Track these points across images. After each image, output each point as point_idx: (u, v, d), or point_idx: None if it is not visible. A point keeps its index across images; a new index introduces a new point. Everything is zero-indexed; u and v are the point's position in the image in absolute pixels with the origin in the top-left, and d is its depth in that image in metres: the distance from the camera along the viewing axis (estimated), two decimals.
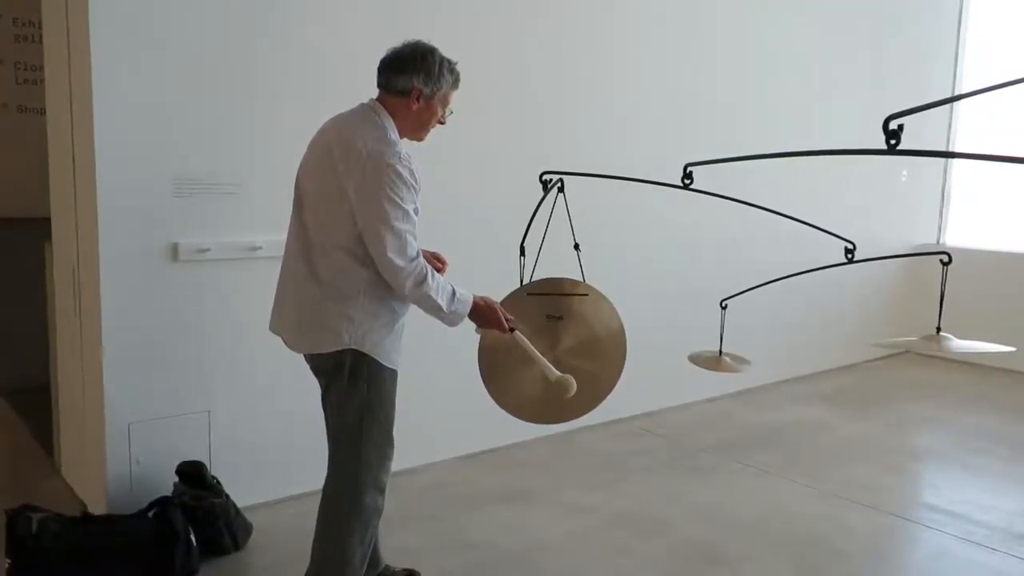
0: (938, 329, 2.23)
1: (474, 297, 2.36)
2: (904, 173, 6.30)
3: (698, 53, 4.78)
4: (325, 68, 3.36)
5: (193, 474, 3.03)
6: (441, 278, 2.29)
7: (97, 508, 3.07)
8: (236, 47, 3.14)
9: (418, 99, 2.31)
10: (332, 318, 2.26)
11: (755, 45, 5.09)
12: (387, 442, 2.41)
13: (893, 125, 1.46)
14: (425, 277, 2.22)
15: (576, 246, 2.81)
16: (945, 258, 2.28)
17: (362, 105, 2.37)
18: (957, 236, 6.68)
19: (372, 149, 2.18)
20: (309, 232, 2.31)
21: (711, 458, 4.15)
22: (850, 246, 2.56)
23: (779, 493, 3.72)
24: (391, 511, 3.33)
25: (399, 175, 2.17)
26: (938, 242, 6.71)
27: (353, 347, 2.26)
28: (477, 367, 2.63)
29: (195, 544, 2.78)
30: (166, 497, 2.90)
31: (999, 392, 5.54)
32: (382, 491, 2.43)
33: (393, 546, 3.07)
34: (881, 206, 6.16)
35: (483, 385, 2.63)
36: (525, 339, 2.41)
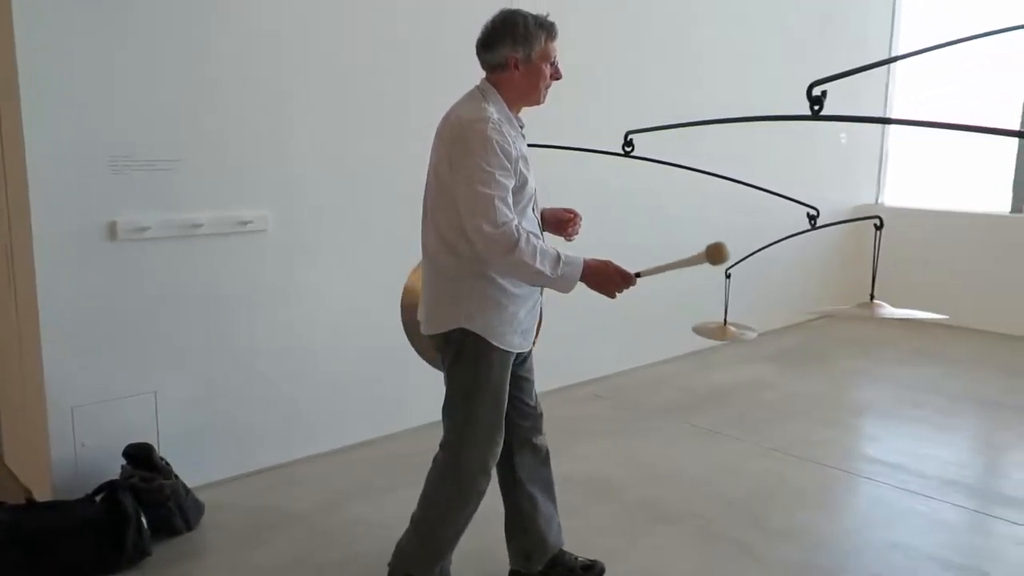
0: (871, 296, 2.30)
1: (584, 260, 2.23)
2: (843, 135, 6.43)
3: (638, 22, 4.79)
4: (265, 40, 3.29)
5: (141, 456, 3.00)
6: (541, 243, 2.16)
7: (42, 494, 3.02)
8: (174, 17, 3.05)
9: (517, 66, 2.23)
10: (443, 298, 2.26)
11: (695, 12, 5.11)
12: (496, 424, 2.35)
13: (816, 92, 1.50)
14: (516, 243, 2.08)
15: None
16: (877, 222, 2.34)
17: (471, 89, 2.31)
18: (896, 196, 6.86)
19: (467, 117, 2.15)
20: (428, 216, 2.31)
21: (660, 420, 4.24)
22: (813, 212, 2.60)
23: (725, 451, 3.83)
24: (351, 483, 3.37)
25: (485, 140, 2.10)
26: (877, 202, 6.88)
27: (462, 326, 2.23)
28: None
29: (146, 526, 2.75)
30: (114, 480, 2.87)
31: (936, 346, 5.75)
32: (487, 473, 2.37)
33: (350, 519, 3.09)
34: (823, 168, 6.29)
35: (411, 344, 2.68)
36: (653, 270, 2.29)
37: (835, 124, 6.16)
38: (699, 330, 2.90)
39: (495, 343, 2.27)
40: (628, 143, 2.77)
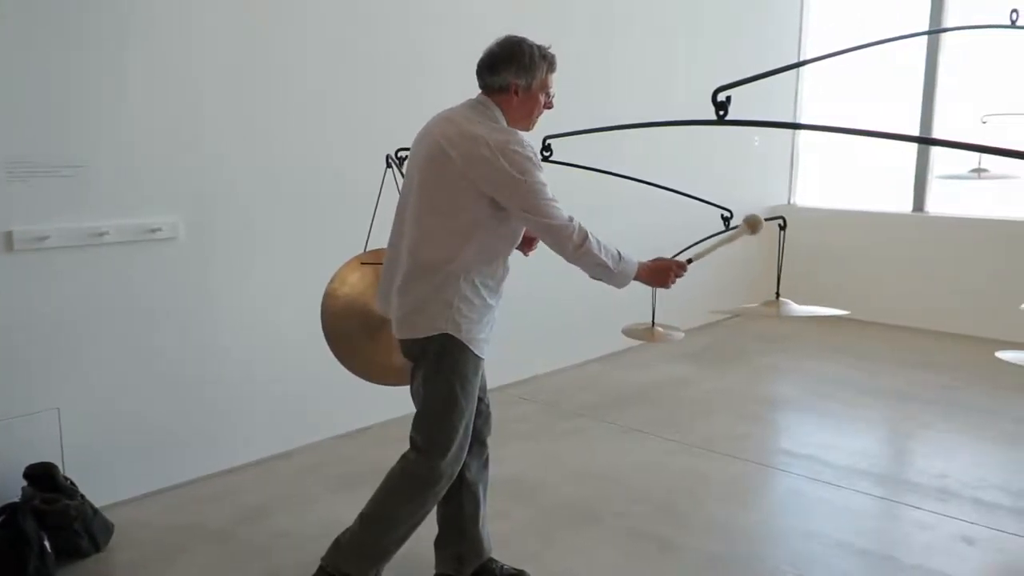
0: (777, 295, 2.38)
1: (639, 260, 2.41)
2: (756, 139, 6.63)
3: (557, 27, 4.83)
4: (173, 41, 3.18)
5: (44, 476, 2.86)
6: (603, 239, 2.33)
7: None
8: (74, 17, 2.92)
9: (517, 92, 2.34)
10: (430, 303, 2.27)
11: (611, 17, 5.19)
12: (468, 429, 2.39)
13: (721, 97, 1.54)
14: (586, 236, 2.29)
15: None
16: (781, 222, 2.42)
17: (471, 100, 2.38)
18: (807, 197, 7.11)
19: (496, 139, 2.22)
20: (420, 219, 2.30)
21: (583, 420, 4.28)
22: (727, 213, 2.66)
23: (646, 449, 3.90)
24: (272, 496, 3.29)
25: (527, 158, 2.23)
26: (788, 203, 7.12)
27: (447, 332, 2.27)
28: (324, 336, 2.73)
29: (49, 550, 2.63)
30: (14, 503, 2.72)
31: (844, 341, 5.98)
32: (452, 478, 2.41)
33: (271, 531, 3.02)
34: (738, 171, 6.47)
35: (332, 351, 2.71)
36: (702, 253, 2.49)
37: (749, 128, 6.35)
38: (628, 332, 2.94)
39: (474, 350, 2.32)
40: (546, 148, 2.79)
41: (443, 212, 2.27)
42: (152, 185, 3.19)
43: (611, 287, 2.41)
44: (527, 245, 2.66)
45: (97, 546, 2.83)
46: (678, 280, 2.44)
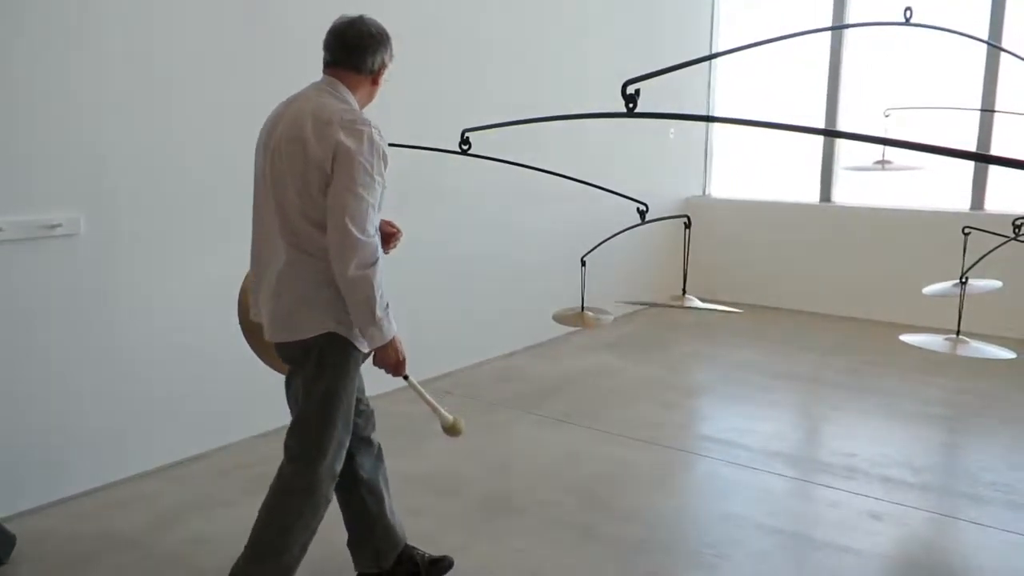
0: (683, 291, 2.44)
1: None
2: (672, 131, 6.76)
3: (473, 18, 4.81)
4: (67, 27, 3.02)
5: None
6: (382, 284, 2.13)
7: None
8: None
9: (382, 74, 2.33)
10: (311, 302, 2.18)
11: (526, 12, 5.20)
12: (348, 429, 2.34)
13: (630, 90, 1.56)
14: (376, 261, 2.11)
15: None
16: (686, 220, 2.48)
17: (319, 84, 2.27)
18: (721, 188, 7.30)
19: (341, 118, 2.13)
20: (288, 216, 2.18)
21: (506, 412, 4.29)
22: (643, 207, 2.68)
23: (570, 439, 3.93)
24: (186, 500, 3.17)
25: (372, 145, 2.13)
26: (704, 193, 7.29)
27: (331, 330, 2.19)
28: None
29: None
30: None
31: (758, 328, 6.17)
32: (336, 478, 2.35)
33: (186, 537, 2.92)
34: (655, 163, 6.59)
35: (250, 346, 2.62)
36: (416, 384, 2.40)
37: (666, 121, 6.46)
38: (559, 318, 2.96)
39: (357, 344, 2.25)
40: (465, 141, 2.77)
41: (309, 207, 2.15)
42: (51, 180, 3.03)
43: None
44: (383, 242, 2.52)
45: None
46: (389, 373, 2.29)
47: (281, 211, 2.20)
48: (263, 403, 3.70)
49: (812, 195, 6.69)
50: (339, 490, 2.48)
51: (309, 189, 2.14)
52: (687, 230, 2.52)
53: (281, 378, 2.66)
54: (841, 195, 6.61)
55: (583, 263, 2.86)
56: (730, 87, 7.12)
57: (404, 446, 3.80)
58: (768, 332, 6.06)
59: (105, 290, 3.23)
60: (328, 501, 2.35)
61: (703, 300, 2.57)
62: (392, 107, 4.31)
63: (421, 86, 4.42)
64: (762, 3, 6.98)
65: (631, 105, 1.57)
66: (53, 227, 3.03)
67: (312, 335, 2.20)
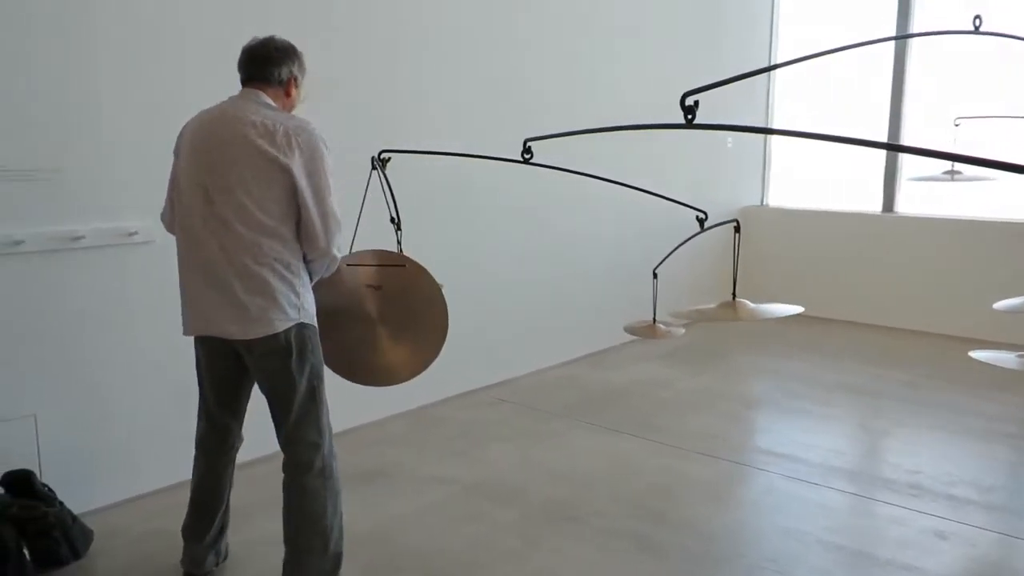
0: (733, 296, 2.43)
1: None
2: (730, 140, 6.71)
3: (535, 29, 4.86)
4: (152, 47, 3.16)
5: (21, 483, 2.82)
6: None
7: None
8: (51, 22, 2.89)
9: (293, 86, 2.50)
10: (279, 298, 2.32)
11: (588, 19, 5.23)
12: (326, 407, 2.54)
13: (689, 102, 1.58)
14: (337, 260, 2.47)
15: (392, 220, 2.89)
16: (736, 224, 2.48)
17: (244, 94, 2.42)
18: (780, 197, 7.20)
19: (299, 128, 2.33)
20: (237, 220, 2.29)
21: (562, 421, 4.31)
22: (702, 215, 2.69)
23: (624, 449, 3.93)
24: (252, 500, 3.27)
25: (326, 153, 2.37)
26: (762, 203, 7.21)
27: (301, 320, 2.38)
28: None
29: (28, 558, 2.60)
30: None
31: (818, 339, 6.08)
32: (336, 458, 2.55)
33: (256, 536, 3.00)
34: (713, 171, 6.54)
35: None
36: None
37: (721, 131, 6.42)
38: (630, 329, 2.96)
39: (317, 327, 2.47)
40: (527, 150, 2.80)
41: (269, 203, 2.29)
42: (130, 189, 3.16)
43: None
44: None
45: (77, 554, 2.80)
46: None
47: (235, 216, 2.29)
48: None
49: (874, 204, 6.56)
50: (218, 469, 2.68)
51: (265, 194, 2.28)
52: (737, 234, 2.51)
53: (341, 383, 2.73)
54: (905, 204, 6.47)
55: (655, 275, 2.87)
56: (790, 94, 7.03)
57: (461, 453, 3.85)
58: (826, 344, 5.96)
59: (179, 294, 3.34)
60: (339, 479, 2.52)
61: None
62: (450, 118, 4.40)
63: (479, 97, 4.49)
64: (823, 13, 6.88)
65: (690, 116, 1.59)
66: (131, 234, 3.16)
67: (283, 328, 2.34)
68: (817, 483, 3.54)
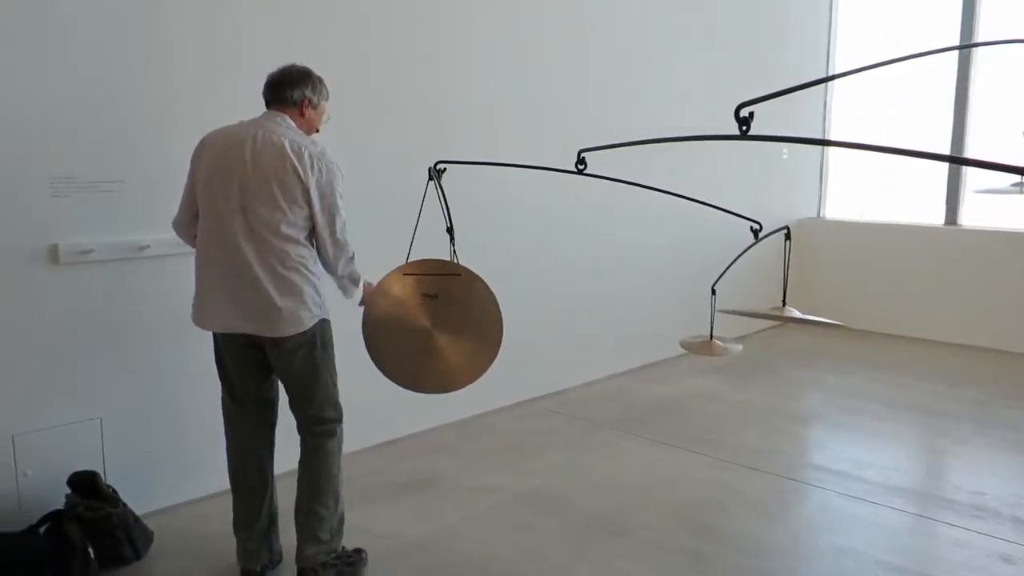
0: (783, 302, 2.42)
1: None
2: (785, 151, 6.61)
3: (586, 42, 4.87)
4: (214, 62, 3.26)
5: (86, 484, 2.92)
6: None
7: None
8: (114, 37, 3.01)
9: (307, 107, 2.68)
10: (306, 298, 2.56)
11: (640, 31, 5.22)
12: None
13: (744, 113, 1.57)
14: (353, 254, 2.67)
15: (448, 230, 2.93)
16: (787, 232, 2.47)
17: (269, 115, 2.63)
18: (837, 209, 7.06)
19: (320, 153, 2.56)
20: (268, 231, 2.51)
21: (611, 433, 4.29)
22: (756, 226, 2.67)
23: (674, 462, 3.89)
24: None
25: (339, 172, 2.60)
26: (819, 215, 7.08)
27: (324, 316, 2.63)
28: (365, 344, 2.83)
29: (93, 557, 2.69)
30: (58, 510, 2.80)
31: (874, 353, 5.93)
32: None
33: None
34: (768, 183, 6.45)
35: (372, 360, 2.83)
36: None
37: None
38: (686, 345, 2.95)
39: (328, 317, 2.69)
40: (581, 161, 2.81)
41: (296, 216, 2.52)
42: (141, 202, 3.17)
43: None
44: None
45: (138, 553, 2.89)
46: None
47: (263, 224, 2.50)
48: (377, 416, 3.84)
49: (936, 217, 6.39)
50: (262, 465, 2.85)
51: (288, 203, 2.50)
52: (787, 241, 2.49)
53: (395, 392, 2.77)
54: (968, 217, 6.28)
55: (713, 292, 2.85)
56: (848, 103, 6.90)
57: (511, 462, 3.86)
58: (883, 359, 5.82)
59: None
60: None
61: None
62: (505, 129, 4.43)
63: (533, 108, 4.51)
64: (883, 21, 6.74)
65: (745, 128, 1.58)
66: (142, 248, 3.15)
67: (311, 325, 2.58)
68: (875, 502, 3.46)
